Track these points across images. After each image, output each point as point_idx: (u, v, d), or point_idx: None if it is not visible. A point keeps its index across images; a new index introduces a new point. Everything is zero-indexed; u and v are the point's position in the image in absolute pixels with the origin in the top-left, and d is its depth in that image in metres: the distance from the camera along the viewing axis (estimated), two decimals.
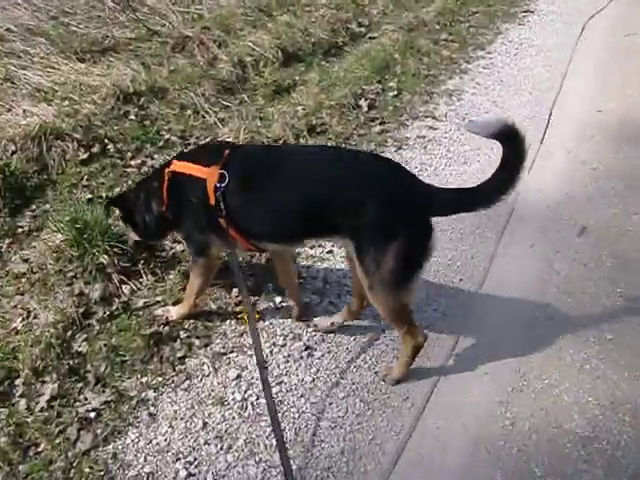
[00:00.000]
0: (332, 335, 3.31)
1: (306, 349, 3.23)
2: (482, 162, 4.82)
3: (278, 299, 3.49)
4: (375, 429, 2.85)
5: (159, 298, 3.44)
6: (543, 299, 3.54)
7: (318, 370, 3.13)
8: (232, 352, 3.20)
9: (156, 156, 4.51)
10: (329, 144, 4.90)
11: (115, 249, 3.48)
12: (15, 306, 3.27)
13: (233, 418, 2.88)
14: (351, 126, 5.20)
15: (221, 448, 2.75)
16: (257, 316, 3.35)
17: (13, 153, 4.13)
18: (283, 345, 3.25)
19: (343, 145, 4.90)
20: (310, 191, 2.71)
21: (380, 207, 2.62)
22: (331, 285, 3.64)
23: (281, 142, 4.80)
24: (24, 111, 4.46)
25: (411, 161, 4.82)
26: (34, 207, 3.99)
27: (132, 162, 4.45)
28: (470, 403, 2.96)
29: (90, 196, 4.03)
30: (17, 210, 3.94)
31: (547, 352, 3.21)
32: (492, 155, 4.75)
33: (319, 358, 3.19)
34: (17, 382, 2.95)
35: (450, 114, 5.59)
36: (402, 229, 2.64)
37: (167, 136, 4.76)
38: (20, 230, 3.78)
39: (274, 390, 2.99)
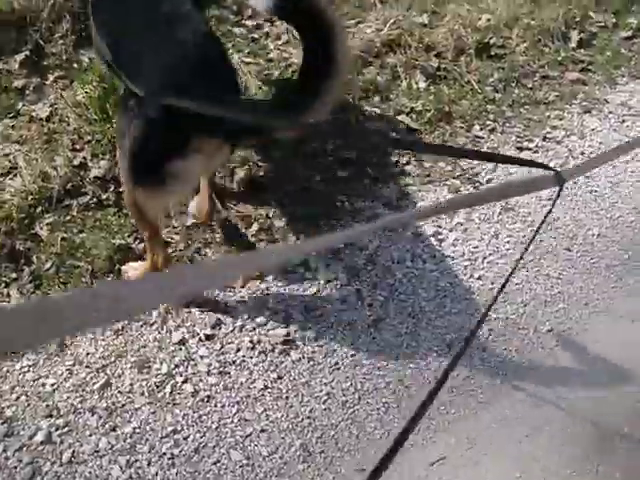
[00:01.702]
0: None
1: None
2: None
3: None
4: None
5: None
6: None
7: None
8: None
9: None
10: (498, 73, 3.77)
11: None
12: (6, 155, 2.82)
13: None
14: (540, 61, 3.95)
15: None
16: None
17: None
18: None
19: (508, 83, 3.74)
20: None
21: None
22: None
23: (433, 53, 3.75)
24: None
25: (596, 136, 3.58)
26: None
27: None
28: None
29: None
30: (89, 40, 3.38)
31: None
32: None
33: None
34: None
35: None
36: None
37: None
38: (76, 65, 3.25)
39: None
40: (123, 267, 2.61)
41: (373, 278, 2.80)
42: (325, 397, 2.42)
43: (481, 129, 3.55)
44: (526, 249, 1.44)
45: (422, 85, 3.64)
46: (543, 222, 1.38)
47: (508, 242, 3.01)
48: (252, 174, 3.03)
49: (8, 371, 2.35)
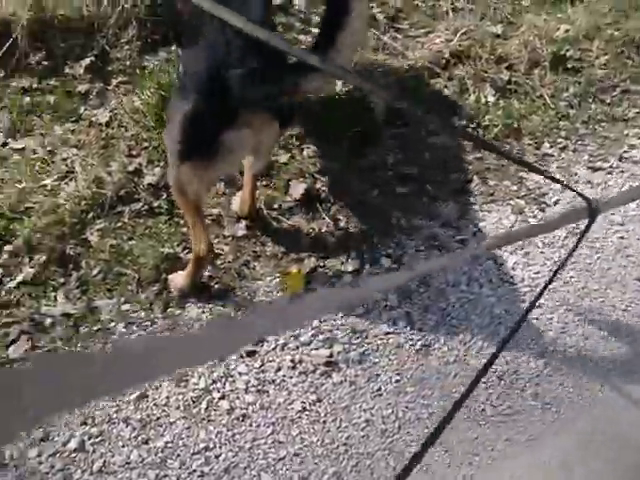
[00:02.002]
0: None
1: None
2: None
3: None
4: None
5: (214, 210, 2.80)
6: None
7: None
8: None
9: None
10: (574, 87, 3.58)
11: None
12: (64, 159, 2.85)
13: None
14: (622, 75, 3.72)
15: None
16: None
17: None
18: None
19: (585, 98, 3.54)
20: None
21: None
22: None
23: (504, 65, 3.59)
24: None
25: None
26: (173, 47, 3.41)
27: None
28: None
29: None
30: (153, 46, 3.41)
31: None
32: None
33: None
34: (5, 248, 2.59)
35: None
36: None
37: None
38: (138, 71, 3.26)
39: None
40: (170, 276, 2.59)
41: (425, 301, 2.68)
42: (364, 424, 2.33)
43: (551, 147, 3.37)
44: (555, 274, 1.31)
45: (491, 99, 3.49)
46: (570, 255, 1.24)
47: (573, 269, 2.83)
48: (308, 186, 2.96)
49: None
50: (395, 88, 3.38)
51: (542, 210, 3.06)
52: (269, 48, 1.38)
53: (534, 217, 3.03)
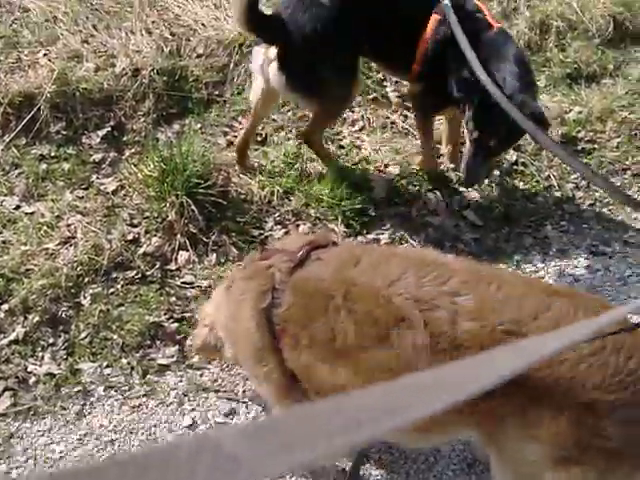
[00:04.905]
0: None
1: None
2: None
3: None
4: None
5: (204, 282, 2.90)
6: None
7: None
8: None
9: None
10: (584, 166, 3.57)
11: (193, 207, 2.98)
12: (68, 225, 3.02)
13: None
14: (634, 158, 3.69)
15: None
16: None
17: (199, 57, 3.74)
18: None
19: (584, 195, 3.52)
20: None
21: None
22: None
23: None
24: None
25: None
26: (187, 121, 3.59)
27: None
28: None
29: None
30: (168, 118, 3.59)
31: None
32: None
33: None
34: (2, 307, 2.75)
35: None
36: None
37: None
38: (151, 143, 3.44)
39: None
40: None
41: None
42: None
43: (553, 229, 3.35)
44: None
45: (496, 179, 3.51)
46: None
47: None
48: None
49: (25, 432, 2.47)
50: None
51: None
52: None
53: None
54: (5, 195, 3.16)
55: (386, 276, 1.78)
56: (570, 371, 1.58)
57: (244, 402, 2.58)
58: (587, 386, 1.58)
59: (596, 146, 3.73)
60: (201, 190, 3.03)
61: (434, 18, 2.89)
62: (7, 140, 3.30)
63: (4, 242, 2.96)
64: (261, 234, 3.11)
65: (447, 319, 1.65)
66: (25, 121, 3.32)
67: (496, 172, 3.52)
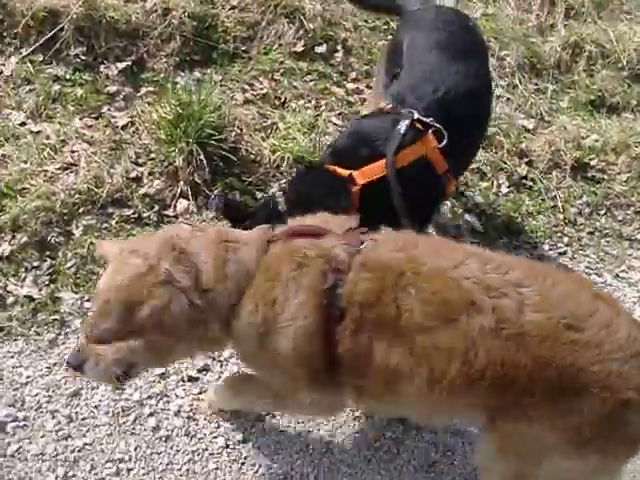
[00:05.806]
0: None
1: None
2: None
3: None
4: None
5: None
6: None
7: None
8: None
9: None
10: (589, 196, 3.59)
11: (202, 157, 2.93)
12: (72, 151, 2.95)
13: None
14: None
15: None
16: None
17: (233, 8, 3.66)
18: None
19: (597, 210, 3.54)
20: None
21: None
22: None
23: (525, 160, 3.61)
24: None
25: None
26: (209, 70, 3.52)
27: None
28: None
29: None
30: (191, 64, 3.51)
31: None
32: None
33: None
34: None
35: None
36: None
37: None
38: (170, 86, 3.34)
39: None
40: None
41: None
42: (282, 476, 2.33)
43: (550, 249, 3.36)
44: None
45: (504, 190, 3.50)
46: None
47: None
48: None
49: None
50: None
51: None
52: None
53: None
54: (12, 109, 3.08)
55: (450, 260, 1.79)
56: (619, 368, 1.67)
57: (219, 360, 2.56)
58: (629, 385, 1.67)
59: (606, 177, 3.74)
60: (212, 142, 2.98)
61: None
62: (24, 54, 3.21)
63: (4, 156, 2.89)
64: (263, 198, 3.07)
65: (514, 308, 1.69)
66: (45, 38, 3.23)
67: (505, 182, 3.52)
